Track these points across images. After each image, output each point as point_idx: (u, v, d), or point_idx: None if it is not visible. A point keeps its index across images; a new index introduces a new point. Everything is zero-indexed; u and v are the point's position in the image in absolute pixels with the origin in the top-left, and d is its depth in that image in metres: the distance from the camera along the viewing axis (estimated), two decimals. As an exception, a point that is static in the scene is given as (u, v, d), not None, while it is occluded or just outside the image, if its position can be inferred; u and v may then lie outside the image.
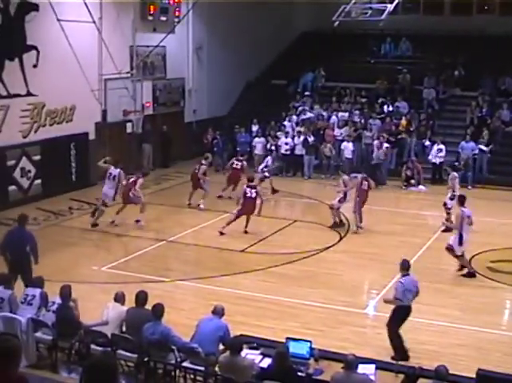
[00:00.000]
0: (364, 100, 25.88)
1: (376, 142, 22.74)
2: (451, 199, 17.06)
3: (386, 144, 22.57)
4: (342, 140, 23.55)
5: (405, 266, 10.39)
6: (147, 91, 23.70)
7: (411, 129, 23.71)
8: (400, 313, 10.24)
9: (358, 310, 12.24)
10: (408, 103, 25.22)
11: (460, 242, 13.73)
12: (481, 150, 22.30)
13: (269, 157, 21.39)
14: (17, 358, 4.28)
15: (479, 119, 23.97)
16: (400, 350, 10.06)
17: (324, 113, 25.49)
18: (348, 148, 23.02)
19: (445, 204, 17.43)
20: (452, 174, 17.99)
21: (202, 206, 18.79)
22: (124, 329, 9.46)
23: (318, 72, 27.83)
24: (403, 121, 24.00)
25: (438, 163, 22.18)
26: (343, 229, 17.05)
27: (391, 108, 25.03)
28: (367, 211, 17.09)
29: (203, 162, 19.31)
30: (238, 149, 24.36)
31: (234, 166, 20.18)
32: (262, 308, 11.68)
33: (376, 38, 28.76)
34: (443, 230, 16.54)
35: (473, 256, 14.89)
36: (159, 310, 8.89)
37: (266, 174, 20.46)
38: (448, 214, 17.08)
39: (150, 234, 16.82)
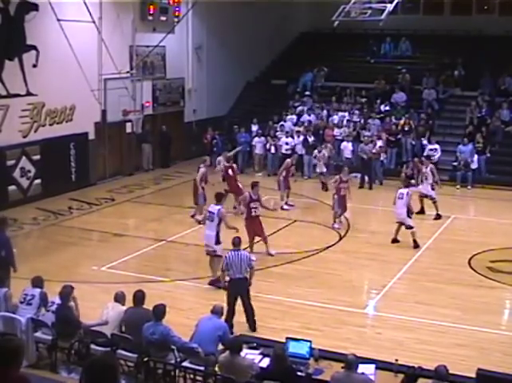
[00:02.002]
0: (363, 99, 25.88)
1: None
2: (433, 188, 18.15)
3: (379, 143, 22.46)
4: (342, 140, 23.55)
5: (234, 242, 11.42)
6: (146, 91, 23.71)
7: (406, 129, 23.62)
8: (230, 285, 11.10)
9: (358, 310, 12.24)
10: (408, 102, 25.23)
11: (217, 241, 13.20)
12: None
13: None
14: (20, 358, 4.29)
15: (479, 119, 23.96)
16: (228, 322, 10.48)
17: (324, 113, 25.50)
18: (347, 147, 23.00)
19: (430, 197, 18.11)
20: (430, 165, 18.59)
21: (198, 217, 17.05)
22: (123, 329, 9.47)
23: (318, 70, 27.79)
24: (402, 121, 23.98)
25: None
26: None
27: (388, 107, 25.03)
28: (366, 210, 17.09)
29: (201, 166, 17.91)
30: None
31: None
32: (262, 308, 11.67)
33: (375, 38, 28.73)
34: (435, 218, 17.84)
35: (473, 256, 14.91)
36: (160, 311, 8.85)
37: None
38: (434, 203, 17.99)
39: (150, 234, 16.84)
